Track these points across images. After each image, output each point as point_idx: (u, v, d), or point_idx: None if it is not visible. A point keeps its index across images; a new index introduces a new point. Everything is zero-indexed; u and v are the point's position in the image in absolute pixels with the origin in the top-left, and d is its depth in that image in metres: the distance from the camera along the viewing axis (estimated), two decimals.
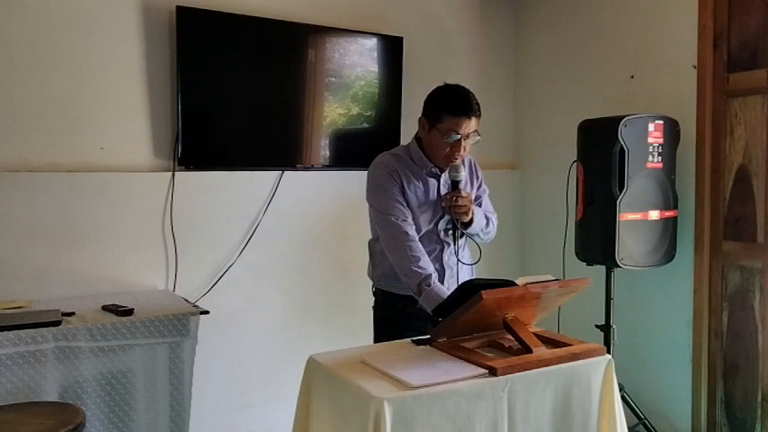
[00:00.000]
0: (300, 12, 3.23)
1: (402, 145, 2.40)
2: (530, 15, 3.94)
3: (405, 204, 2.21)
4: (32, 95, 2.66)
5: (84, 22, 2.75)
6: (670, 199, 2.98)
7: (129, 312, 2.37)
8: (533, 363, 1.75)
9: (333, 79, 3.27)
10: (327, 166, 3.31)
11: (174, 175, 2.93)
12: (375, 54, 3.40)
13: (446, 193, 2.23)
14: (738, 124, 2.91)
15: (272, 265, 3.20)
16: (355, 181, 3.04)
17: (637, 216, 2.88)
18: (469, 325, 1.90)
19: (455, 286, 2.14)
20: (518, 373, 1.71)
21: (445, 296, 1.99)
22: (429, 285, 2.07)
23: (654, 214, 2.93)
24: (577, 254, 3.05)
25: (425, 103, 2.24)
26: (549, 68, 3.82)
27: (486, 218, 2.36)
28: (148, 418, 2.36)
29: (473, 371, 1.69)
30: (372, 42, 3.39)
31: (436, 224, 2.26)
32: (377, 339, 2.35)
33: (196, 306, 2.59)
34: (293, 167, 3.21)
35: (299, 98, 3.19)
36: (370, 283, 2.41)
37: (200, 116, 2.96)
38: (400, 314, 2.27)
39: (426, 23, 3.70)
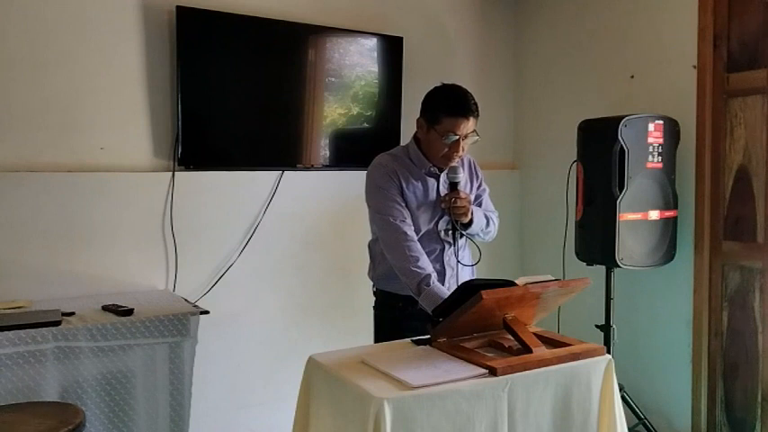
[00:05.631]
0: (300, 12, 3.23)
1: (401, 145, 2.40)
2: (530, 15, 3.94)
3: (403, 205, 2.20)
4: (32, 95, 2.66)
5: (84, 22, 2.75)
6: (670, 199, 2.98)
7: (129, 312, 2.37)
8: (533, 363, 1.75)
9: (333, 79, 3.27)
10: (327, 166, 3.31)
11: (174, 175, 2.93)
12: (375, 54, 3.40)
13: (445, 195, 2.23)
14: (738, 124, 2.91)
15: (272, 265, 3.20)
16: (355, 181, 3.03)
17: (637, 216, 2.88)
18: (469, 325, 1.90)
19: (456, 286, 2.14)
20: (518, 373, 1.71)
21: (445, 296, 1.99)
22: (428, 285, 2.07)
23: (654, 214, 2.93)
24: (577, 254, 3.05)
25: (423, 103, 2.23)
26: (549, 68, 3.82)
27: (487, 217, 2.35)
28: (148, 418, 2.36)
29: (473, 371, 1.69)
30: (372, 42, 3.39)
31: (436, 224, 2.26)
32: (377, 339, 2.35)
33: (196, 306, 2.59)
34: (293, 167, 3.21)
35: (299, 98, 3.19)
36: (371, 283, 2.41)
37: (200, 116, 2.96)
38: (400, 314, 2.27)
39: (426, 23, 3.70)
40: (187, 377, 2.44)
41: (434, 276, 2.11)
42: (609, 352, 2.15)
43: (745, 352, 2.91)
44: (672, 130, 2.98)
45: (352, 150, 3.35)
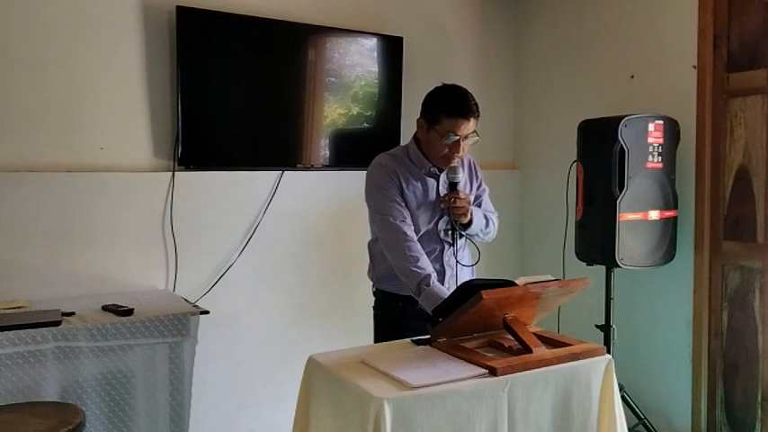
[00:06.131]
0: (300, 12, 3.23)
1: (401, 145, 2.40)
2: (530, 15, 3.94)
3: (403, 205, 2.20)
4: (32, 95, 2.66)
5: (85, 22, 2.75)
6: (670, 199, 2.98)
7: (129, 312, 2.37)
8: (533, 363, 1.75)
9: (333, 79, 3.27)
10: (327, 166, 3.31)
11: (174, 175, 2.93)
12: (375, 54, 3.40)
13: (444, 195, 2.23)
14: (738, 124, 2.91)
15: (272, 265, 3.20)
16: (355, 181, 3.03)
17: (637, 216, 2.88)
18: (469, 325, 1.90)
19: (455, 286, 2.14)
20: (518, 373, 1.71)
21: (445, 296, 1.99)
22: (428, 285, 2.07)
23: (654, 214, 2.93)
24: (577, 254, 3.05)
25: (423, 104, 2.23)
26: (549, 68, 3.82)
27: (486, 218, 2.35)
28: (148, 418, 2.36)
29: (473, 371, 1.69)
30: (372, 42, 3.39)
31: (436, 224, 2.26)
32: (377, 339, 2.35)
33: (196, 306, 2.59)
34: (293, 167, 3.21)
35: (299, 98, 3.19)
36: (371, 283, 2.41)
37: (200, 116, 2.96)
38: (400, 314, 2.27)
39: (426, 23, 3.70)
40: (187, 377, 2.44)
41: (434, 276, 2.11)
42: (609, 352, 2.15)
43: (745, 352, 2.91)
44: (672, 130, 2.98)
45: (352, 150, 3.35)
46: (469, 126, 2.15)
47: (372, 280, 2.40)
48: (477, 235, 2.34)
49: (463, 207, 2.19)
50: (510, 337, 1.91)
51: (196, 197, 2.99)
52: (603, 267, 3.01)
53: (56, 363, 2.17)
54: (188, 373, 2.44)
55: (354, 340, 2.31)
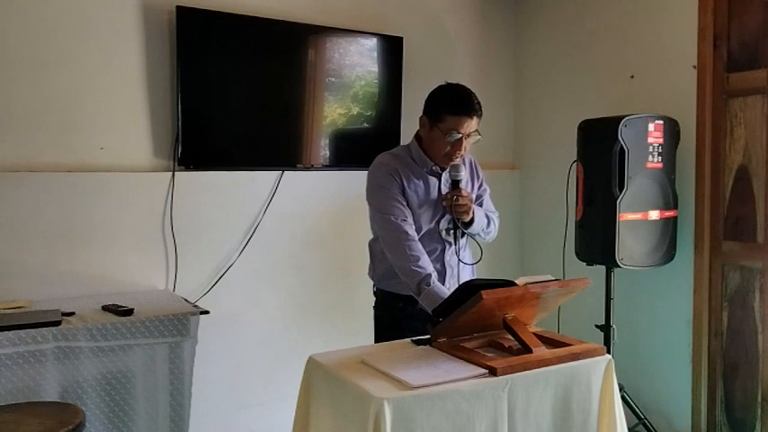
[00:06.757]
0: (300, 12, 3.23)
1: (402, 145, 2.40)
2: (530, 15, 3.94)
3: (405, 204, 2.21)
4: (32, 95, 2.66)
5: (85, 22, 2.75)
6: (670, 199, 2.98)
7: (129, 312, 2.37)
8: (533, 363, 1.75)
9: (333, 79, 3.27)
10: (327, 166, 3.31)
11: (174, 175, 2.93)
12: (375, 54, 3.40)
13: (446, 193, 2.23)
14: (738, 124, 2.91)
15: (272, 265, 3.20)
16: (355, 181, 3.04)
17: (637, 216, 2.88)
18: (469, 325, 1.90)
19: (456, 286, 2.14)
20: (518, 373, 1.71)
21: (445, 296, 1.99)
22: (428, 285, 2.07)
23: (654, 214, 2.93)
24: (577, 254, 3.05)
25: (426, 101, 2.24)
26: (549, 68, 3.82)
27: (488, 217, 2.36)
28: (148, 418, 2.36)
29: (473, 371, 1.69)
30: (372, 42, 3.39)
31: (437, 223, 2.26)
32: (377, 339, 2.35)
33: (196, 306, 2.59)
34: (293, 167, 3.21)
35: (299, 98, 3.19)
36: (371, 283, 2.41)
37: (200, 116, 2.96)
38: (400, 314, 2.27)
39: (426, 23, 3.70)
40: (187, 377, 2.44)
41: (435, 276, 2.11)
42: (609, 352, 2.15)
43: (745, 352, 2.91)
44: (672, 130, 2.98)
45: (352, 150, 3.35)
46: (472, 124, 2.16)
47: (373, 279, 2.40)
48: (479, 234, 2.34)
49: (465, 205, 2.20)
50: (510, 337, 1.91)
51: (196, 197, 2.99)
52: (603, 267, 3.01)
53: (56, 363, 2.17)
54: (188, 373, 2.44)
55: (354, 340, 2.31)
